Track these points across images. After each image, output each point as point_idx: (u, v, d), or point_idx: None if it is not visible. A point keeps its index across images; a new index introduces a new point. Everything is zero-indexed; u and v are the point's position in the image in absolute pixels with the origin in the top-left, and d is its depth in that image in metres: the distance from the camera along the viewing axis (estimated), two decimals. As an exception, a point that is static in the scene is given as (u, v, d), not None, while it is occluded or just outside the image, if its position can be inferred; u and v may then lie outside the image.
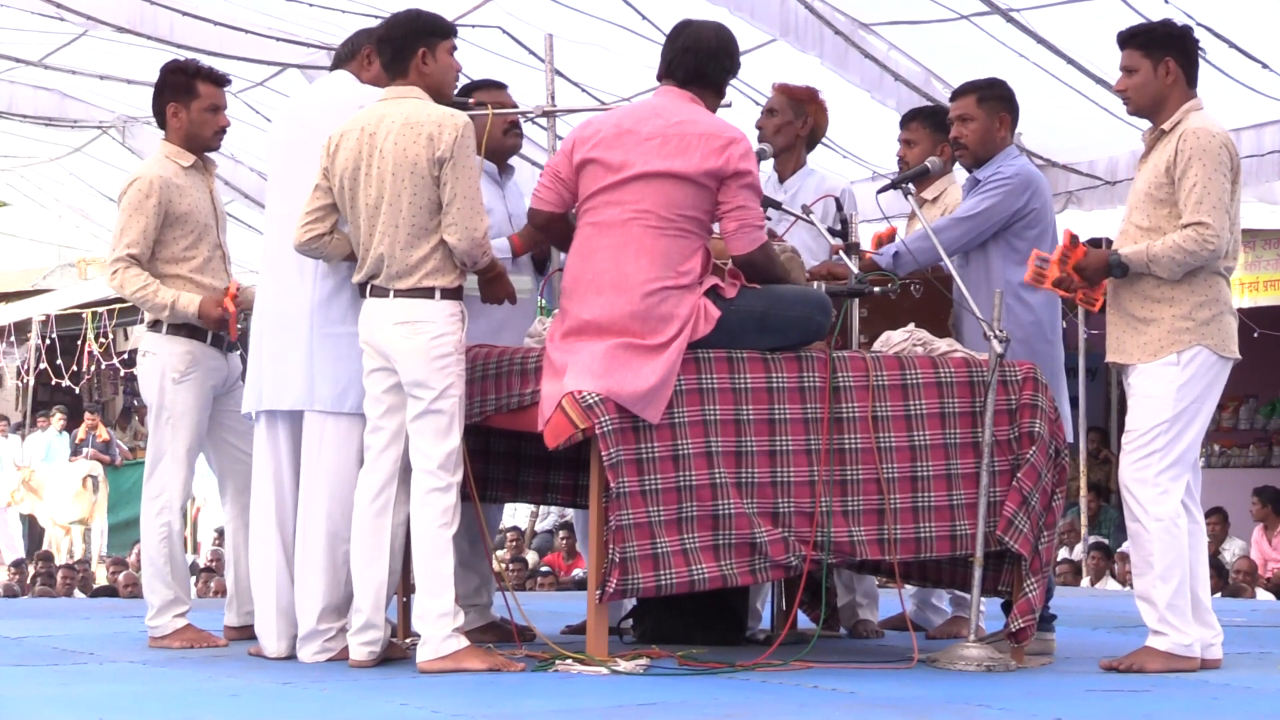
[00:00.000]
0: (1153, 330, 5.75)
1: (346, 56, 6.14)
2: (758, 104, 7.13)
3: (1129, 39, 5.88)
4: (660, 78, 5.86)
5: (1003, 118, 6.36)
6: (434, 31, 5.75)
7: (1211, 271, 5.74)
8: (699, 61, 5.83)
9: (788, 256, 6.03)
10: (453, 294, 5.64)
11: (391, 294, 5.62)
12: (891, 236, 6.73)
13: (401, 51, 5.70)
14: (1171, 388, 5.70)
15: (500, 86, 6.64)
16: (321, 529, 5.79)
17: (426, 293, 5.60)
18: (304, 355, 5.85)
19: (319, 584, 5.78)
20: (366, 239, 5.66)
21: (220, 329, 6.34)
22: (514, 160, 6.75)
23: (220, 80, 6.53)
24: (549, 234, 6.04)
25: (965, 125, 6.36)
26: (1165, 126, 5.80)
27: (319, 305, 5.87)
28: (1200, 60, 5.93)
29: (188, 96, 6.44)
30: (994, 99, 6.37)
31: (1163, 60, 5.80)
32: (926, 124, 7.14)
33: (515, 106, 6.68)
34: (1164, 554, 5.65)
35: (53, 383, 23.51)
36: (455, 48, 5.81)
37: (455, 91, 6.37)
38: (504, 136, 6.54)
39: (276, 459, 5.99)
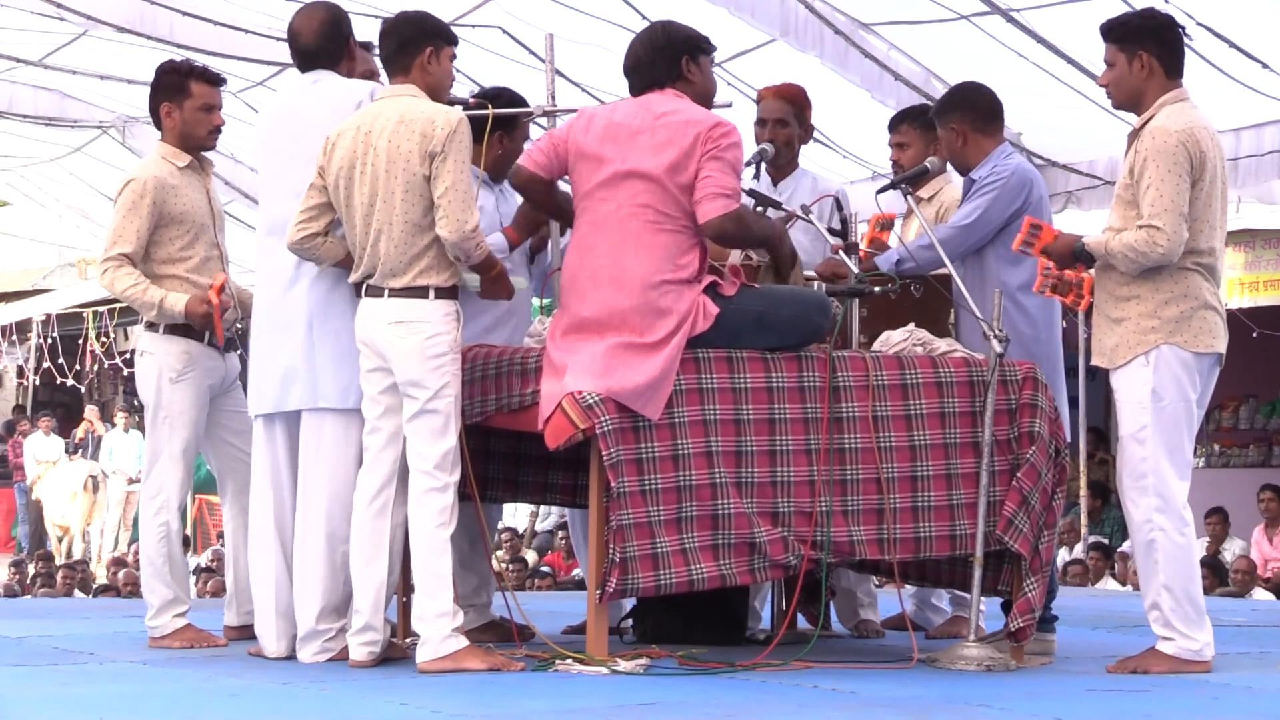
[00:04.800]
0: (1122, 330, 5.71)
1: (329, 55, 6.05)
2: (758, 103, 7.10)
3: (1107, 32, 5.84)
4: (648, 86, 5.82)
5: (956, 129, 6.27)
6: (441, 35, 5.80)
7: (1178, 267, 5.67)
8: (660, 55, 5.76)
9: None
10: (447, 293, 5.64)
11: (386, 293, 5.62)
12: (890, 222, 6.68)
13: (408, 47, 5.72)
14: (1146, 391, 5.66)
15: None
16: (321, 530, 5.79)
17: (421, 292, 5.60)
18: (304, 355, 5.84)
19: (318, 585, 5.77)
20: (362, 237, 5.67)
21: (207, 325, 6.29)
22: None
23: (215, 80, 6.51)
24: (527, 195, 6.01)
25: (944, 145, 6.37)
26: (1138, 125, 5.78)
27: (317, 304, 5.86)
28: (1188, 51, 5.86)
29: (181, 96, 6.43)
30: (946, 112, 6.33)
31: (1137, 54, 5.75)
32: (916, 125, 7.12)
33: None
34: (1168, 560, 5.62)
35: (56, 382, 23.54)
36: (455, 57, 5.85)
37: (480, 93, 6.41)
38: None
39: (275, 460, 5.99)
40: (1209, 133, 5.72)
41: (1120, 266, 5.68)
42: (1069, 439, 6.10)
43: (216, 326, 6.26)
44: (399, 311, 5.60)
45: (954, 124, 6.31)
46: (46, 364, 23.14)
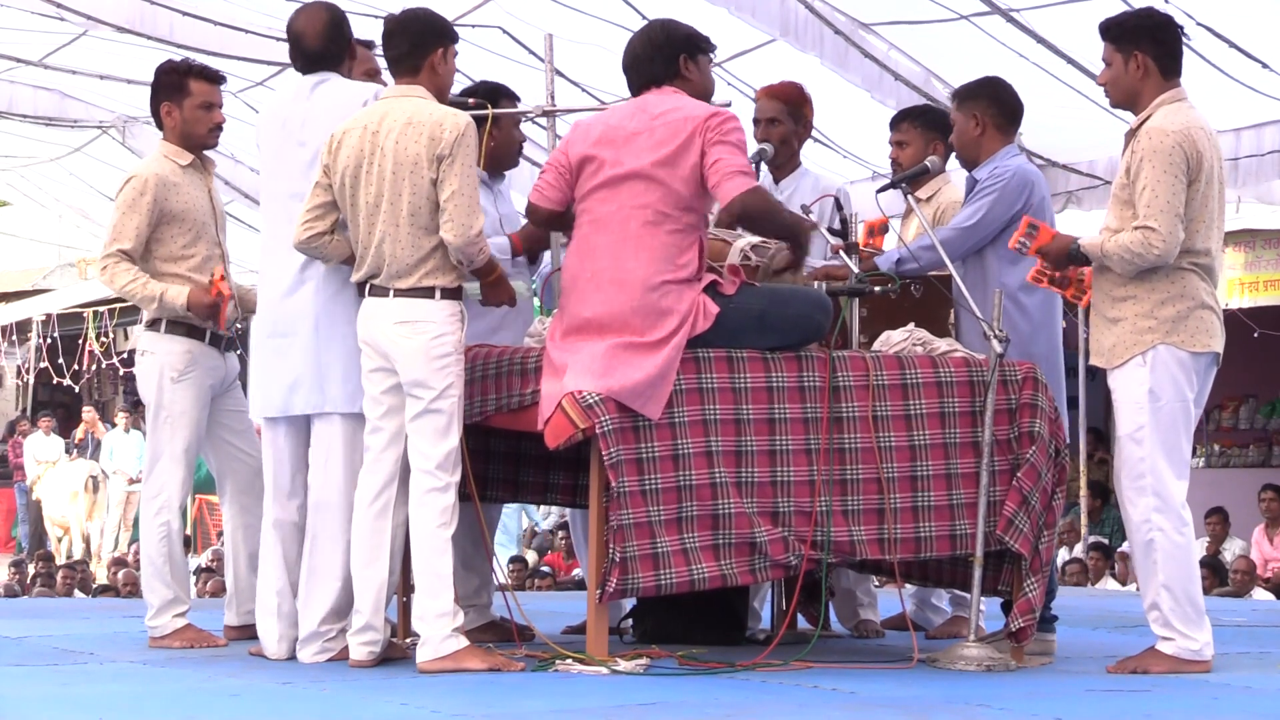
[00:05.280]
0: (1119, 330, 5.71)
1: (333, 57, 6.05)
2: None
3: (1104, 31, 5.84)
4: (646, 83, 5.82)
5: (978, 118, 6.29)
6: (448, 34, 5.81)
7: (1175, 267, 5.66)
8: (661, 52, 5.78)
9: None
10: (452, 294, 5.64)
11: (391, 293, 5.63)
12: (884, 226, 6.69)
13: (419, 48, 5.71)
14: (1143, 391, 5.67)
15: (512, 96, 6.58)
16: (332, 535, 5.76)
17: (426, 292, 5.61)
18: (311, 359, 5.84)
19: (327, 589, 5.76)
20: (366, 237, 5.67)
21: (211, 317, 6.29)
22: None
23: (214, 77, 6.51)
24: (550, 229, 6.06)
25: (957, 131, 6.36)
26: (1134, 124, 5.78)
27: (324, 308, 5.85)
28: (1188, 51, 5.86)
29: (180, 95, 6.43)
30: (971, 99, 6.33)
31: (1132, 54, 5.75)
32: (917, 124, 7.12)
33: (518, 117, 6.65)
34: (1166, 560, 5.62)
35: (54, 382, 23.53)
36: (456, 54, 5.85)
37: (465, 90, 6.41)
38: (515, 129, 6.57)
39: (278, 463, 5.99)
40: (1206, 133, 5.72)
41: (1116, 268, 5.68)
42: (1069, 439, 6.10)
43: (221, 317, 6.26)
44: (404, 311, 5.60)
45: (976, 112, 6.30)
46: (44, 364, 23.13)
